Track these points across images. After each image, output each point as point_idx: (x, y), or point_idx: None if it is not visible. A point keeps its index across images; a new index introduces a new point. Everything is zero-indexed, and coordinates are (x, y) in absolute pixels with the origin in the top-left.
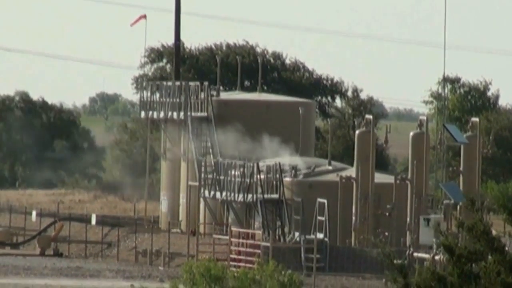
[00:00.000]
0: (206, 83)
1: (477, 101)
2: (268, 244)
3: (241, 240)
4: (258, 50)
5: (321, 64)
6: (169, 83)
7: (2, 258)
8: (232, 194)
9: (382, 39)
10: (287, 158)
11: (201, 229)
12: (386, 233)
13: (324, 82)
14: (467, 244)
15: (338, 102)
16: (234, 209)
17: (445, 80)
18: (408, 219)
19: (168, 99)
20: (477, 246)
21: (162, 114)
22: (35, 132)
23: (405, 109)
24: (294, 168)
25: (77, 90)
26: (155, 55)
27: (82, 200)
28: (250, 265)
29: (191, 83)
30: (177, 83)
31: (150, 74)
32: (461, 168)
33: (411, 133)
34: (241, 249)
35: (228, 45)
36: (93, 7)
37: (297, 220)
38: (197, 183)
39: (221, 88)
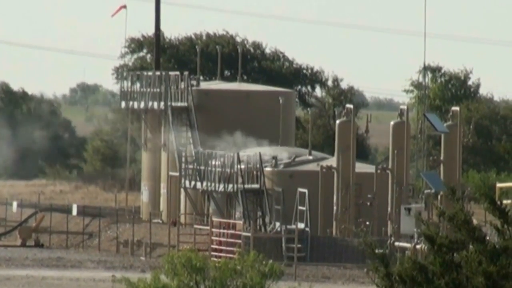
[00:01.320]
0: (186, 73)
1: (458, 90)
2: (249, 234)
3: (222, 230)
4: (238, 39)
5: (301, 53)
6: (150, 73)
7: None
8: (213, 184)
9: (362, 28)
10: (268, 148)
11: (182, 220)
12: (367, 223)
13: (304, 71)
14: (448, 233)
15: (318, 91)
16: (215, 199)
17: (426, 69)
18: (389, 209)
19: (148, 89)
20: (458, 236)
21: (142, 104)
22: (15, 123)
23: (385, 98)
24: (275, 158)
25: (58, 81)
26: (135, 45)
27: (63, 191)
28: (231, 255)
29: (171, 73)
30: (157, 73)
31: (130, 64)
32: (441, 157)
33: (392, 123)
34: (222, 239)
35: (208, 35)
36: None
37: (278, 210)
38: (177, 174)
39: (201, 78)
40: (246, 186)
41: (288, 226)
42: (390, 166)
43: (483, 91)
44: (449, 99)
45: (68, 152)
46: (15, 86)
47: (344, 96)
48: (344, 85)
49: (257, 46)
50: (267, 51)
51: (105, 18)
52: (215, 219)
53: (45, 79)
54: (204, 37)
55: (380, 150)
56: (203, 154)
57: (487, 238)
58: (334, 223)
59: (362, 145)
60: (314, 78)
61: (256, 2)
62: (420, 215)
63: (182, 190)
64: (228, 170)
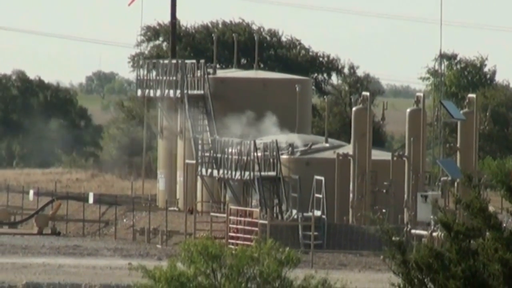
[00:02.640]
0: (202, 61)
1: (474, 77)
2: (266, 222)
3: (238, 218)
4: (254, 27)
5: (317, 41)
6: (166, 61)
7: (0, 238)
8: (229, 172)
9: (378, 15)
10: (284, 136)
11: (199, 207)
12: (384, 210)
13: (321, 59)
14: (465, 220)
15: (335, 79)
16: (232, 187)
17: (442, 56)
18: (405, 196)
19: (164, 77)
20: (474, 223)
21: (158, 92)
22: (32, 111)
23: (401, 85)
24: (291, 145)
25: (74, 69)
26: (151, 33)
27: (79, 179)
28: (248, 243)
29: (188, 61)
30: (174, 61)
31: (146, 52)
32: (458, 145)
33: (408, 110)
34: (239, 227)
35: (224, 23)
36: None
37: (295, 197)
38: (194, 161)
39: (218, 66)
40: (262, 173)
41: (305, 214)
42: (406, 154)
43: (499, 78)
44: (465, 86)
45: (85, 140)
46: (32, 75)
47: (360, 84)
48: (360, 72)
49: (273, 34)
50: (283, 39)
51: (122, 7)
52: (231, 206)
53: (62, 67)
54: (220, 25)
55: (396, 137)
56: (219, 141)
57: (504, 225)
58: (350, 210)
59: (378, 132)
60: (330, 65)
61: None
62: (436, 203)
63: (198, 178)
64: (244, 157)
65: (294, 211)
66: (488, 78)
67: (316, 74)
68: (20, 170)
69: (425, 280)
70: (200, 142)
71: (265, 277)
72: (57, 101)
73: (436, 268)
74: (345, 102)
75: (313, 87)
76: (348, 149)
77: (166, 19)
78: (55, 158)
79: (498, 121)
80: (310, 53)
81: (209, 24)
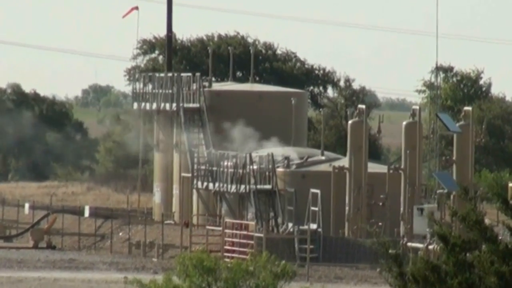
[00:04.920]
0: (198, 74)
1: (470, 90)
2: (262, 235)
3: (234, 231)
4: (250, 40)
5: (313, 54)
6: (162, 75)
7: None
8: (225, 185)
9: (374, 28)
10: (280, 149)
11: (194, 221)
12: (380, 223)
13: (316, 72)
14: (461, 233)
15: (330, 92)
16: (227, 200)
17: (438, 69)
18: (401, 209)
19: (160, 91)
20: (470, 236)
21: (154, 106)
22: (27, 125)
23: (397, 98)
24: (287, 158)
25: (70, 82)
26: (147, 46)
27: (75, 192)
28: (244, 256)
29: (183, 74)
30: (169, 74)
31: (142, 65)
32: (454, 157)
33: (404, 123)
34: (235, 240)
35: (219, 36)
36: None
37: (290, 210)
38: (190, 174)
39: (213, 79)
40: (258, 186)
41: (301, 227)
42: (402, 166)
43: (494, 90)
44: (461, 99)
45: (80, 154)
46: (27, 88)
47: (356, 97)
48: (356, 85)
49: (268, 47)
50: (279, 51)
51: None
52: (227, 220)
53: (57, 80)
54: (215, 38)
55: (393, 150)
56: (215, 155)
57: (500, 238)
58: (346, 223)
59: (374, 145)
60: (326, 78)
61: (267, 3)
62: (432, 215)
63: (194, 191)
64: (240, 170)
65: (290, 224)
66: (484, 91)
67: (311, 87)
68: (15, 183)
69: None
70: (195, 155)
71: None
72: (52, 114)
73: (432, 281)
74: (341, 115)
75: (309, 100)
76: (344, 162)
77: (162, 32)
78: (51, 172)
79: (494, 134)
80: (306, 66)
81: (205, 37)
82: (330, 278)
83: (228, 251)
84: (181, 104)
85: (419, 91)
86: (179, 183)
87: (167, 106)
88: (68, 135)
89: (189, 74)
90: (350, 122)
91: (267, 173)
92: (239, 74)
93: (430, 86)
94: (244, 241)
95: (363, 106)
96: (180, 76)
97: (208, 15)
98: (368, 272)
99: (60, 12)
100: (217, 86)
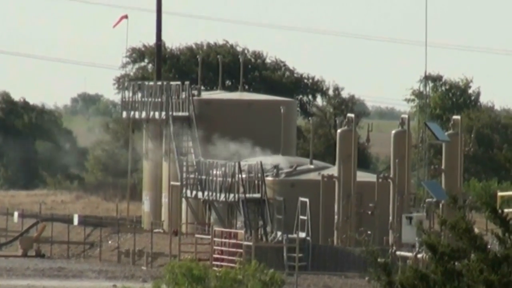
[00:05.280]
0: (187, 83)
1: (459, 98)
2: (251, 244)
3: (223, 240)
4: (239, 49)
5: (302, 62)
6: (151, 83)
7: None
8: (214, 194)
9: (363, 37)
10: (269, 157)
11: (184, 229)
12: (369, 232)
13: (305, 80)
14: (450, 242)
15: (319, 100)
16: (216, 209)
17: (427, 78)
18: (390, 218)
19: (149, 99)
20: (459, 244)
21: (143, 114)
22: (16, 133)
23: (387, 107)
24: (276, 167)
25: (59, 90)
26: (136, 55)
27: (64, 201)
28: (233, 265)
29: (173, 83)
30: (159, 83)
31: (131, 74)
32: (443, 166)
33: (393, 132)
34: (224, 248)
35: (208, 45)
36: (74, 7)
37: (279, 219)
38: (179, 183)
39: (203, 87)
40: (247, 195)
41: (290, 235)
42: (391, 175)
43: (483, 99)
44: (450, 108)
45: (69, 162)
46: (16, 96)
47: (345, 105)
48: (345, 94)
49: (257, 55)
50: (268, 60)
51: (107, 28)
52: (216, 228)
53: (46, 89)
54: (204, 47)
55: (381, 159)
56: (204, 163)
57: (489, 246)
58: (335, 232)
59: (363, 154)
60: (315, 87)
61: (256, 12)
62: (421, 224)
63: (183, 199)
64: (229, 179)
65: (279, 233)
66: (473, 100)
67: (300, 96)
68: (4, 192)
69: None
70: (185, 164)
71: None
72: (42, 123)
73: None
74: (330, 124)
75: (298, 109)
76: (333, 170)
77: (151, 40)
78: (40, 180)
79: (482, 143)
80: (295, 75)
81: (194, 46)
82: (319, 286)
83: (217, 259)
84: (170, 113)
85: (408, 100)
86: (168, 192)
87: (156, 114)
88: (57, 144)
89: (178, 82)
90: (339, 130)
91: (256, 182)
92: (228, 82)
93: (419, 95)
94: (233, 249)
95: (352, 115)
96: (169, 85)
97: (197, 23)
98: (357, 281)
99: (49, 20)
100: (206, 94)
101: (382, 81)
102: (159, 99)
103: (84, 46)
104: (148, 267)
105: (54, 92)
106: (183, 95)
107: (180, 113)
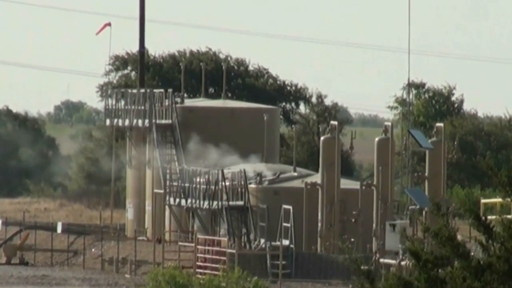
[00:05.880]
0: (170, 90)
1: (442, 106)
2: (234, 251)
3: (206, 247)
4: (221, 56)
5: (285, 70)
6: (134, 91)
7: None
8: (197, 202)
9: (346, 44)
10: (252, 165)
11: (167, 237)
12: (352, 239)
13: (288, 88)
14: (433, 249)
15: (303, 108)
16: (200, 217)
17: (410, 85)
18: (374, 225)
19: (133, 107)
20: (443, 252)
21: (127, 122)
22: None
23: (370, 115)
24: (259, 174)
25: (42, 98)
26: (119, 62)
27: (47, 209)
28: (216, 272)
29: (156, 91)
30: (142, 90)
31: (114, 81)
32: (426, 174)
33: (376, 139)
34: (207, 256)
35: (191, 52)
36: (57, 15)
37: (263, 226)
38: (162, 191)
39: (186, 95)
40: (230, 203)
41: (273, 243)
42: (375, 183)
43: (466, 107)
44: (433, 116)
45: (53, 170)
46: (0, 104)
47: (328, 113)
48: (328, 101)
49: (240, 63)
50: (251, 68)
51: (89, 36)
52: (199, 236)
53: (30, 97)
54: (187, 54)
55: (365, 166)
56: (187, 171)
57: (472, 254)
58: (318, 239)
59: (346, 161)
60: (298, 95)
61: (239, 19)
62: (405, 231)
63: (166, 207)
64: (212, 187)
65: (262, 240)
66: (456, 107)
67: (284, 103)
68: None
69: None
70: (168, 171)
71: None
72: (25, 131)
73: None
74: (313, 131)
75: (281, 116)
76: (317, 178)
77: (134, 48)
78: (23, 188)
79: (466, 150)
80: (278, 82)
81: (177, 53)
82: None
83: (200, 267)
84: (153, 121)
85: (391, 108)
86: (152, 199)
87: (140, 122)
88: (40, 152)
89: (162, 90)
90: (322, 138)
91: (239, 190)
92: (211, 90)
93: (402, 102)
94: (217, 257)
95: (335, 122)
96: (153, 92)
97: (180, 31)
98: None
99: (32, 28)
100: (190, 102)
101: (365, 89)
102: (142, 107)
103: (67, 53)
104: (132, 275)
105: (37, 100)
106: (166, 102)
107: (163, 121)
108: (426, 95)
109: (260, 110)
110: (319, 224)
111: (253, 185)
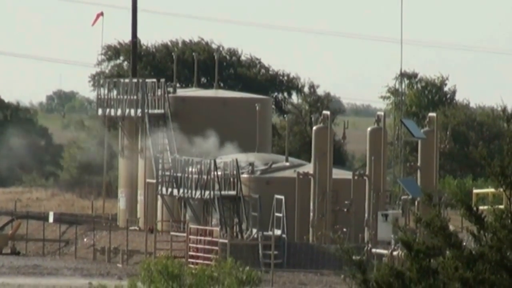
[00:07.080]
0: (162, 80)
1: (434, 96)
2: (226, 241)
3: (198, 237)
4: (214, 46)
5: (277, 60)
6: (126, 81)
7: None
8: (190, 191)
9: (338, 34)
10: (244, 155)
11: (159, 227)
12: (344, 229)
13: (280, 78)
14: (425, 239)
15: (295, 98)
16: (192, 206)
17: (402, 75)
18: (366, 215)
19: (125, 96)
20: (435, 242)
21: (119, 112)
22: None
23: (362, 104)
24: (251, 164)
25: (34, 88)
26: (112, 52)
27: (39, 198)
28: (208, 262)
29: (148, 80)
30: (134, 80)
31: (107, 71)
32: (418, 164)
33: (369, 129)
34: (199, 246)
35: (184, 42)
36: (50, 4)
37: (255, 216)
38: (154, 181)
39: (178, 85)
40: (222, 192)
41: (265, 233)
42: (367, 173)
43: (459, 97)
44: (425, 106)
45: (45, 160)
46: None
47: (321, 103)
48: (320, 91)
49: (233, 53)
50: (243, 57)
51: (82, 26)
52: (192, 226)
53: (22, 86)
54: (180, 44)
55: (357, 156)
56: (179, 161)
57: (464, 244)
58: (310, 229)
59: (339, 151)
60: (290, 84)
61: (231, 9)
62: (397, 221)
63: (159, 197)
64: (204, 176)
65: (254, 230)
66: (449, 97)
67: (276, 93)
68: None
69: None
70: (160, 161)
71: None
72: (17, 120)
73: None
74: (306, 121)
75: (273, 106)
76: (309, 168)
77: (126, 38)
78: (15, 178)
79: (458, 140)
80: (270, 72)
81: (169, 43)
82: (294, 284)
83: (192, 257)
84: (146, 110)
85: (384, 97)
86: (144, 189)
87: (132, 112)
88: (32, 141)
89: (154, 80)
90: (314, 128)
91: (231, 179)
92: (203, 80)
93: (394, 92)
94: (209, 247)
95: (328, 112)
96: (145, 82)
97: (172, 21)
98: (333, 278)
99: (24, 17)
100: (182, 92)
101: (357, 79)
102: (135, 97)
103: (59, 43)
104: (124, 264)
105: (29, 89)
106: (159, 92)
107: (156, 111)
108: (419, 85)
109: (252, 100)
110: (311, 214)
111: (245, 175)
